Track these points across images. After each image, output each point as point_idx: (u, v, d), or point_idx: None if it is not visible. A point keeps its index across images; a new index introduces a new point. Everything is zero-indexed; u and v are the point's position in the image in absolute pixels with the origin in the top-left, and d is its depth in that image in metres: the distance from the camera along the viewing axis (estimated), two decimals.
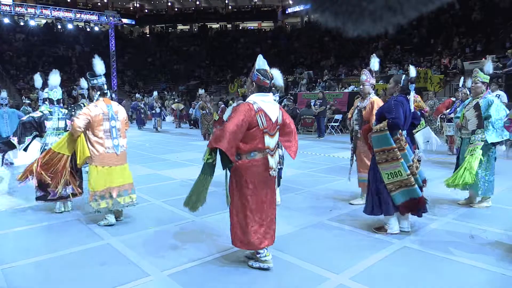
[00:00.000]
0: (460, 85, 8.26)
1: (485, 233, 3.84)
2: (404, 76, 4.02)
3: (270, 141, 3.10)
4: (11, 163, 8.38)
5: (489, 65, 4.99)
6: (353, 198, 5.12)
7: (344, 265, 3.19)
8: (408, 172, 3.71)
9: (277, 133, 3.24)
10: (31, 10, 25.80)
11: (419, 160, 6.44)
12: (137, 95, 20.68)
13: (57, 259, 3.40)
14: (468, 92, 7.96)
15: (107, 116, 4.26)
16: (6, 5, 24.09)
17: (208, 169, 3.00)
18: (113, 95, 21.48)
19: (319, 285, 2.86)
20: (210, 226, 4.24)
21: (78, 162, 4.33)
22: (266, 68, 3.17)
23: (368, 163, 4.69)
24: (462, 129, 4.94)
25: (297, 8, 32.95)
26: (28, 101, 5.32)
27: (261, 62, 3.17)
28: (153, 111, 17.08)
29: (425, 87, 16.78)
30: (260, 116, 3.01)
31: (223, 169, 3.08)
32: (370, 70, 5.02)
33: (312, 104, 15.27)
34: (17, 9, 25.13)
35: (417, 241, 3.69)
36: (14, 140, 4.89)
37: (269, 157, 3.09)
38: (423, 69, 17.66)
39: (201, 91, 14.82)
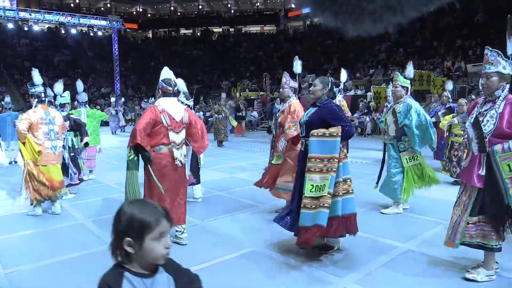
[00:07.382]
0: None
1: None
2: (330, 78, 3.66)
3: (175, 137, 3.67)
4: (15, 162, 8.45)
5: (409, 69, 4.95)
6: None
7: (349, 268, 3.17)
8: (332, 190, 3.15)
9: (183, 131, 3.78)
10: (35, 15, 26.02)
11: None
12: (152, 99, 20.77)
13: (61, 263, 3.40)
14: (449, 96, 7.94)
15: (45, 121, 4.86)
16: (10, 10, 24.29)
17: (132, 165, 3.54)
18: (122, 99, 21.59)
19: None
20: (212, 230, 4.24)
21: (34, 159, 4.70)
22: (171, 78, 3.83)
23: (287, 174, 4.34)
24: (385, 135, 4.75)
25: (299, 12, 33.00)
26: None
27: (167, 73, 3.86)
28: None
29: (428, 90, 16.75)
30: (164, 116, 3.59)
31: (145, 164, 3.58)
32: (292, 74, 4.90)
33: None
34: (21, 14, 25.35)
35: (421, 245, 3.67)
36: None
37: (174, 150, 3.65)
38: (426, 72, 17.64)
39: (223, 95, 15.00)
